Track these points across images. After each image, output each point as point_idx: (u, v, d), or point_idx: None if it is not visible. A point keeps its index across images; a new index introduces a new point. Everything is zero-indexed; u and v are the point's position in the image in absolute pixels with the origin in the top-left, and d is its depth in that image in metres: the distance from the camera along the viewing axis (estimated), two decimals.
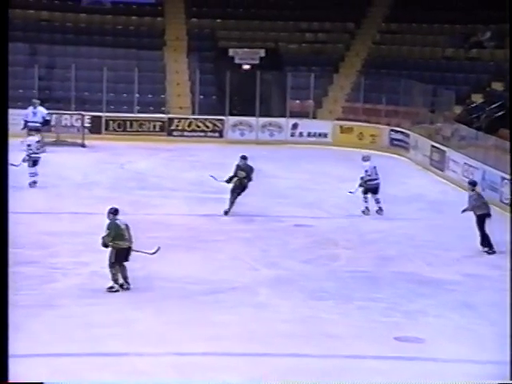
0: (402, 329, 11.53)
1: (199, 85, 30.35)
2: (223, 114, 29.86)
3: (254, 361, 10.35)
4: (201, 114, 30.03)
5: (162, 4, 34.08)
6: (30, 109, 26.07)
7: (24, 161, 20.15)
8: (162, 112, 30.09)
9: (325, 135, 29.85)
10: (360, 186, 18.76)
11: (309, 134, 29.93)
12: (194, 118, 29.84)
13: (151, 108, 30.11)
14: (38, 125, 25.57)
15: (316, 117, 30.70)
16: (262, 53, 32.37)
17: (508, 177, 18.71)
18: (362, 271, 14.39)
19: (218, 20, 33.58)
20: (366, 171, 18.86)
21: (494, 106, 25.04)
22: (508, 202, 18.45)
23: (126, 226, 12.65)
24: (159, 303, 12.30)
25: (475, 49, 29.80)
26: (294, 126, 29.98)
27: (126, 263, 12.70)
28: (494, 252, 15.58)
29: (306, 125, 30.03)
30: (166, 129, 29.60)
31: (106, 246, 12.59)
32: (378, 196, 18.79)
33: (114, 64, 30.74)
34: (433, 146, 25.26)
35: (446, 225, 17.88)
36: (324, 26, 33.55)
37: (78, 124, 28.38)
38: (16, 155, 18.48)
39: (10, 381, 5.03)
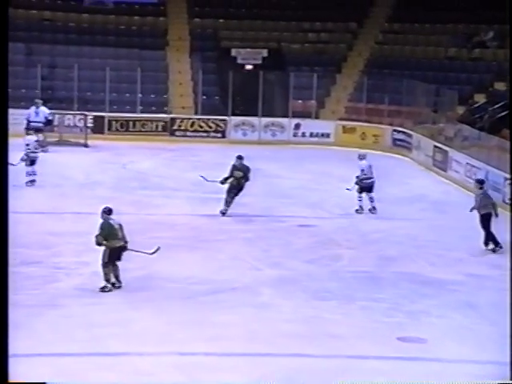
0: (404, 329, 11.52)
1: (202, 85, 30.37)
2: (226, 114, 29.85)
3: (256, 361, 10.33)
4: (203, 114, 30.04)
5: (164, 4, 34.09)
6: (33, 109, 26.07)
7: (22, 160, 20.16)
8: (165, 112, 30.09)
9: (327, 135, 29.84)
10: (355, 184, 18.84)
11: (311, 134, 29.92)
12: (197, 118, 29.84)
13: (154, 108, 30.10)
14: (40, 125, 25.58)
15: (318, 117, 30.69)
16: (265, 53, 32.37)
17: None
18: (364, 271, 14.37)
19: (221, 20, 33.60)
20: (362, 170, 18.94)
21: (496, 106, 25.03)
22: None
23: (120, 225, 12.69)
24: (160, 303, 12.29)
25: (478, 49, 29.80)
26: (297, 126, 29.97)
27: (119, 263, 12.72)
28: (501, 248, 15.60)
29: (309, 125, 30.01)
30: (169, 129, 29.60)
31: (99, 244, 12.63)
32: (373, 195, 18.86)
33: (117, 64, 30.72)
34: (435, 147, 25.24)
35: (448, 225, 17.88)
36: (326, 26, 33.54)
37: (81, 124, 28.39)
38: (15, 154, 18.47)
39: (12, 380, 5.02)
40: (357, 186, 18.87)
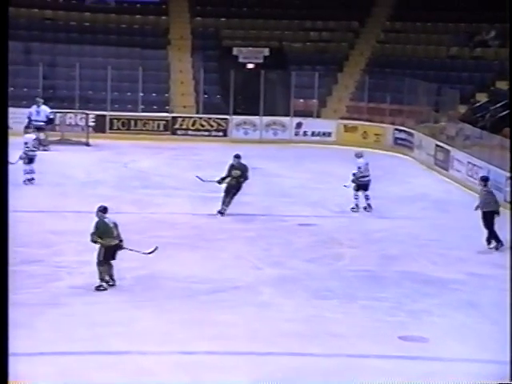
0: (406, 328, 11.51)
1: (203, 84, 30.36)
2: (227, 113, 29.83)
3: (257, 360, 10.33)
4: (205, 112, 30.02)
5: (166, 3, 34.08)
6: (34, 107, 26.09)
7: (21, 158, 20.16)
8: (166, 111, 30.08)
9: (329, 134, 29.82)
10: (352, 182, 18.86)
11: (313, 133, 29.90)
12: (198, 117, 29.82)
13: (155, 107, 30.10)
14: (41, 123, 25.61)
15: (320, 116, 30.67)
16: (266, 52, 32.37)
17: None
18: (366, 270, 14.37)
19: (222, 19, 33.59)
20: (359, 168, 18.98)
21: (498, 105, 25.01)
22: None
23: (115, 224, 12.72)
24: (162, 302, 12.29)
25: (480, 48, 29.78)
26: (298, 125, 29.95)
27: (114, 262, 12.73)
28: (502, 245, 15.59)
29: (310, 124, 29.99)
30: (170, 128, 29.59)
31: (94, 242, 12.66)
32: (368, 193, 18.87)
33: (118, 63, 30.72)
34: (437, 146, 25.22)
35: (450, 224, 17.87)
36: (328, 24, 33.53)
37: (83, 123, 28.39)
38: (14, 153, 18.46)
39: (12, 380, 5.01)
40: (353, 185, 18.90)
